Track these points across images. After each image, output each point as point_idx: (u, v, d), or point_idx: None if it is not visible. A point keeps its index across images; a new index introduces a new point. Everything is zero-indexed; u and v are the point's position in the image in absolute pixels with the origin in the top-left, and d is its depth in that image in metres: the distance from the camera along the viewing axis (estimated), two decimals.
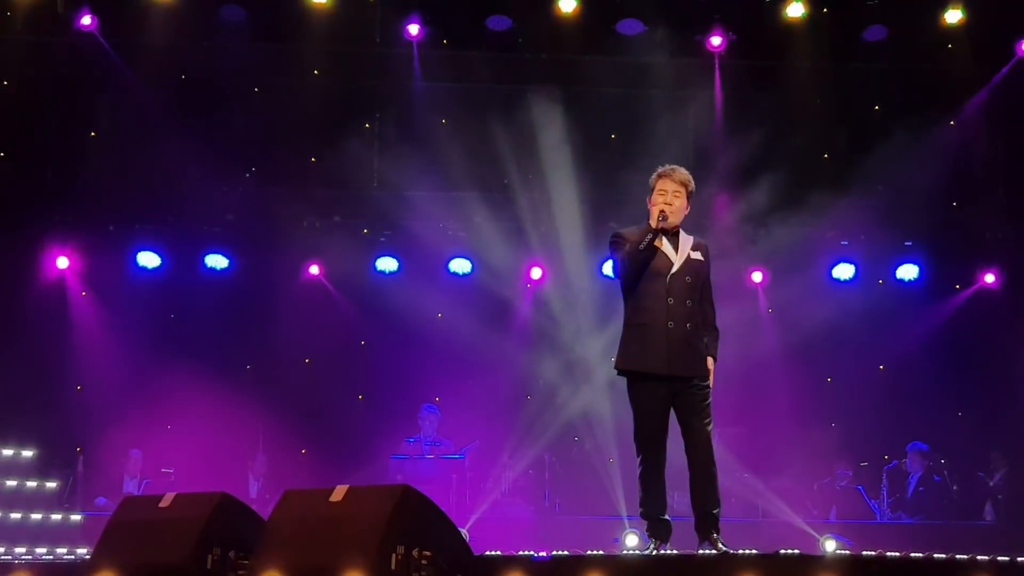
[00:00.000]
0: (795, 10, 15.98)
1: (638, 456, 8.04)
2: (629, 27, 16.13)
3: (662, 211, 8.06)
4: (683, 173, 8.26)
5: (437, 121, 16.56)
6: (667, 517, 8.09)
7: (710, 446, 8.06)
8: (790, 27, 16.15)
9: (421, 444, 15.44)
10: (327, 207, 16.77)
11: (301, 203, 16.46)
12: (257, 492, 15.83)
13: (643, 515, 8.11)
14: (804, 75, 16.47)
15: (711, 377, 8.12)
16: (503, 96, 16.36)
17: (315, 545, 6.27)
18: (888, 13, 16.22)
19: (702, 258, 8.22)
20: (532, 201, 16.74)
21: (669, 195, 8.16)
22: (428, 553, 6.05)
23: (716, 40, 16.21)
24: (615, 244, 8.23)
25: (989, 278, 17.24)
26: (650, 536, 8.09)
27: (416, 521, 6.16)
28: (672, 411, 8.08)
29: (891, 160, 16.06)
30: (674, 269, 8.08)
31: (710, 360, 8.13)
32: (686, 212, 8.26)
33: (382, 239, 17.24)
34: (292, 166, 16.16)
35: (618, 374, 8.21)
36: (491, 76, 16.41)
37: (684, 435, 8.06)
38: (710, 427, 8.07)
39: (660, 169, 8.30)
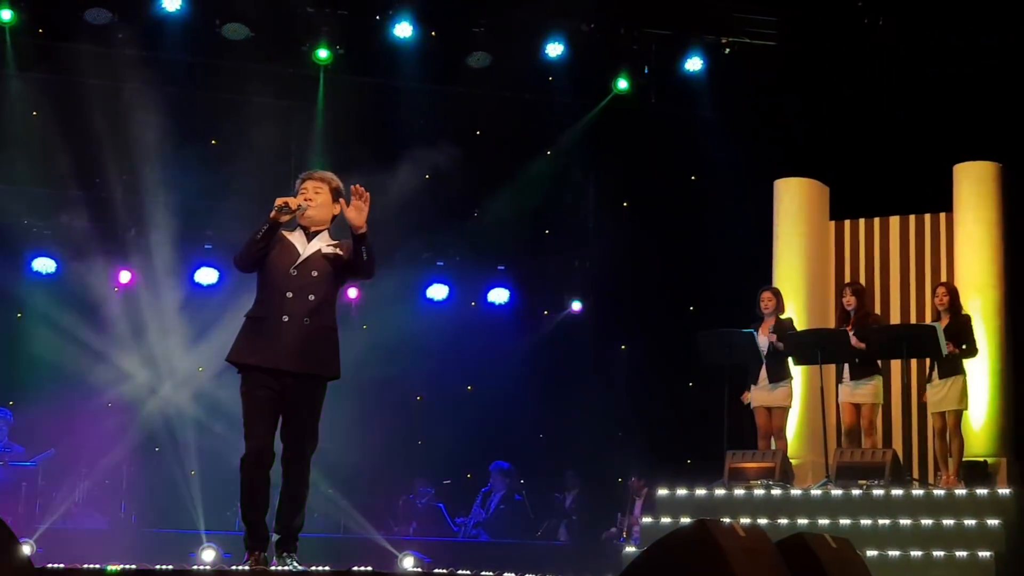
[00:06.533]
0: (403, 30, 16.07)
1: (243, 455, 7.55)
2: (234, 31, 15.82)
3: (284, 203, 7.64)
4: (323, 173, 7.94)
5: (27, 113, 15.83)
6: (266, 524, 7.63)
7: (307, 455, 7.66)
8: (397, 46, 16.24)
9: None
10: None
11: None
12: None
13: (243, 520, 7.66)
14: (409, 95, 16.61)
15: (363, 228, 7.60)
16: (100, 92, 15.74)
17: None
18: (492, 41, 16.54)
19: (340, 252, 7.76)
20: (124, 202, 16.26)
21: (310, 192, 7.80)
22: None
23: (323, 53, 16.11)
24: None
25: (575, 305, 17.88)
26: (247, 546, 7.59)
27: None
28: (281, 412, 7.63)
29: (486, 185, 16.42)
30: (298, 262, 7.69)
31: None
32: (337, 212, 7.80)
33: None
34: None
35: (236, 367, 7.71)
36: (87, 70, 15.76)
37: (284, 439, 7.62)
38: (313, 433, 7.65)
39: (300, 176, 7.97)
